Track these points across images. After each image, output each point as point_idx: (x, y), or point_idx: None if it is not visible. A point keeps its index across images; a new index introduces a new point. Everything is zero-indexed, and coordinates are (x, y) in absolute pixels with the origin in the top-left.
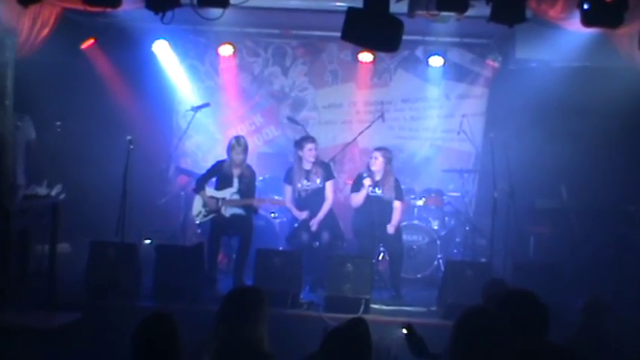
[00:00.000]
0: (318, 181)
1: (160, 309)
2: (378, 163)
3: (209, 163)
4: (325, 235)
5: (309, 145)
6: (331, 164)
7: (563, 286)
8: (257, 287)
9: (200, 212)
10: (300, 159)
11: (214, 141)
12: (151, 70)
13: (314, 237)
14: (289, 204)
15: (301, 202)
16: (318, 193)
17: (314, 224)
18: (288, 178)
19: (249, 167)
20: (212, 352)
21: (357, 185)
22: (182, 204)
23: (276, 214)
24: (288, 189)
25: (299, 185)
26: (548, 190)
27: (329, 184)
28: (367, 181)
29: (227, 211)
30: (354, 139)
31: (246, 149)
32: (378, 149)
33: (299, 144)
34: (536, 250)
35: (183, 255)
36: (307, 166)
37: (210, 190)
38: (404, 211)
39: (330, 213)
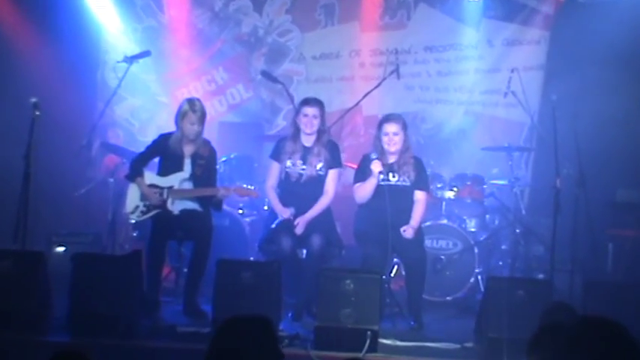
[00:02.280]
0: (319, 166)
1: (76, 346)
2: (394, 140)
3: (149, 138)
4: (316, 241)
5: (309, 110)
6: (339, 146)
7: None
8: (263, 316)
9: (137, 208)
10: (297, 130)
11: (157, 105)
12: (66, 7)
13: (300, 243)
14: (271, 192)
15: (288, 191)
16: (315, 183)
17: (300, 225)
18: (277, 154)
19: (207, 143)
20: None
21: (362, 171)
22: (110, 196)
23: (246, 211)
24: (275, 168)
25: (290, 166)
26: (633, 177)
27: (333, 174)
28: (377, 165)
29: (175, 206)
30: (357, 103)
31: (203, 117)
32: (392, 119)
33: (299, 107)
34: (617, 263)
35: (111, 268)
36: (307, 141)
37: (151, 176)
38: (428, 206)
39: (325, 210)
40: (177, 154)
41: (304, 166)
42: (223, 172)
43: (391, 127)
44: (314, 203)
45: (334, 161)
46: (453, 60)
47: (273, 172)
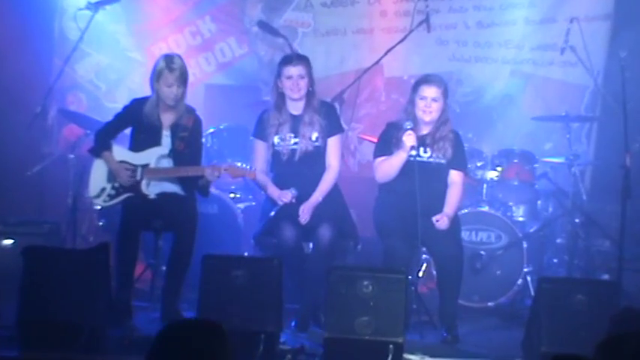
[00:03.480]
0: (314, 136)
1: None
2: (432, 107)
3: (119, 104)
4: (325, 232)
5: (292, 70)
6: (337, 106)
7: None
8: (212, 322)
9: (103, 190)
10: (281, 97)
11: (128, 63)
12: None
13: (305, 234)
14: (262, 176)
15: (283, 173)
16: (314, 158)
17: (305, 212)
18: (260, 130)
19: (190, 111)
20: None
21: (386, 142)
22: (71, 176)
23: (239, 195)
24: (260, 148)
25: (279, 142)
26: None
27: (333, 142)
28: (411, 137)
29: (151, 189)
30: (377, 62)
31: (184, 78)
32: (432, 81)
33: (279, 69)
34: None
35: (71, 265)
36: (295, 109)
37: (121, 152)
38: (466, 189)
39: (335, 193)
40: (153, 124)
41: (296, 139)
42: (211, 146)
43: (430, 91)
44: (316, 183)
45: (332, 126)
46: (497, 8)
47: (260, 154)
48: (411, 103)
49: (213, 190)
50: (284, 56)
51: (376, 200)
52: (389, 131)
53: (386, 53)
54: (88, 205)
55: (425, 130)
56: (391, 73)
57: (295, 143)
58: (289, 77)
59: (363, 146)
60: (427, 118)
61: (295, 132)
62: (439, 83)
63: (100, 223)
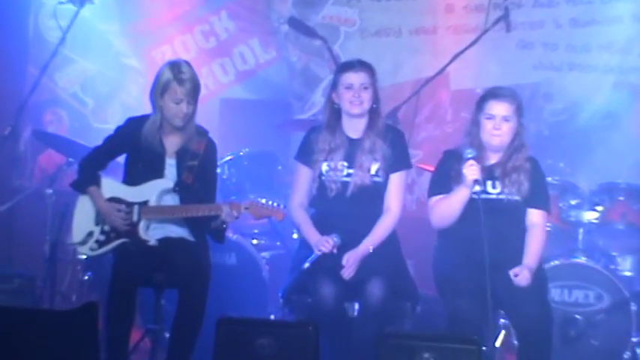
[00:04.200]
0: (374, 168)
1: None
2: (502, 129)
3: (110, 125)
4: (375, 290)
5: (354, 78)
6: (405, 134)
7: None
8: None
9: (90, 235)
10: (336, 114)
11: (122, 72)
12: None
13: (348, 293)
14: (299, 213)
15: (327, 211)
16: (370, 197)
17: (350, 264)
18: (306, 153)
19: (202, 134)
20: None
21: (443, 176)
22: (48, 216)
23: (264, 241)
24: (303, 175)
25: (327, 172)
26: None
27: (397, 180)
28: (473, 169)
29: (152, 233)
30: (442, 69)
31: (194, 92)
32: (501, 95)
33: (335, 77)
34: None
35: (50, 331)
36: (353, 130)
37: (112, 185)
38: (554, 234)
39: (390, 240)
40: (154, 150)
41: (350, 170)
42: (228, 178)
43: (500, 108)
44: (369, 228)
45: (398, 159)
46: (597, 1)
47: (302, 183)
48: (475, 124)
49: (230, 234)
50: (344, 62)
51: (436, 249)
52: (447, 162)
53: (453, 59)
54: (71, 255)
55: (493, 159)
56: (460, 85)
57: (348, 175)
58: (349, 87)
59: (424, 179)
60: (496, 143)
61: (350, 160)
62: (511, 98)
63: (86, 277)
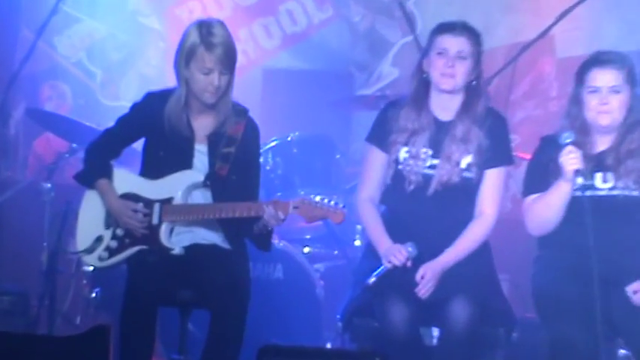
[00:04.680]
0: (466, 161)
1: None
2: (610, 104)
3: (124, 102)
4: (459, 312)
5: (451, 43)
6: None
7: None
8: None
9: (99, 241)
10: (424, 87)
11: (139, 35)
12: None
13: (425, 316)
14: (368, 209)
15: (402, 211)
16: (457, 196)
17: (427, 279)
18: (380, 134)
19: (241, 113)
20: None
21: (538, 171)
22: (46, 217)
23: (319, 249)
24: (376, 161)
25: (406, 160)
26: None
27: (495, 177)
28: (572, 157)
29: (177, 239)
30: (546, 31)
31: (231, 60)
32: (607, 61)
33: (430, 40)
34: None
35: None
36: (444, 110)
37: (127, 179)
38: None
39: (480, 251)
40: (180, 134)
41: (435, 161)
42: (272, 169)
43: (605, 77)
44: (454, 236)
45: (498, 152)
46: None
47: (374, 171)
48: (576, 101)
49: (275, 241)
50: (442, 23)
51: (535, 261)
52: (545, 151)
53: (559, 18)
54: (74, 266)
55: (602, 145)
56: (568, 52)
57: (432, 167)
58: (442, 53)
59: (521, 171)
60: (604, 122)
61: (436, 148)
62: (619, 63)
63: (93, 295)
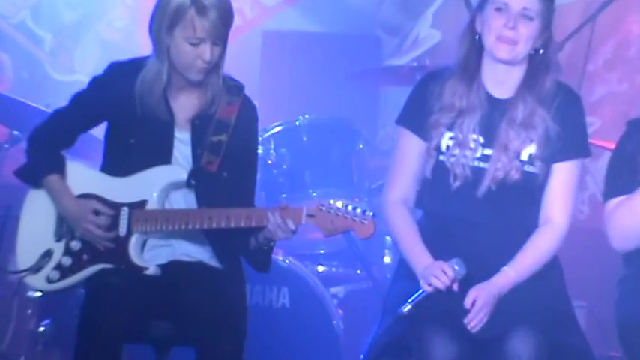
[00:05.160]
0: (528, 151)
1: None
2: None
3: (80, 75)
4: (521, 349)
5: None
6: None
7: None
8: None
9: (48, 256)
10: (475, 53)
11: None
12: None
13: (479, 354)
14: (397, 216)
15: (445, 215)
16: (517, 197)
17: (479, 306)
18: (415, 114)
19: (235, 91)
20: None
21: (623, 168)
22: None
23: (336, 267)
24: (411, 149)
25: (449, 150)
26: None
27: (567, 172)
28: None
29: (150, 255)
30: None
31: (225, 22)
32: None
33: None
34: None
35: None
36: (498, 86)
37: (85, 175)
38: None
39: (549, 270)
40: (155, 117)
41: (488, 151)
42: (276, 164)
43: None
44: (514, 248)
45: (570, 141)
46: None
47: (407, 164)
48: None
49: (279, 257)
50: None
51: (619, 284)
52: (633, 139)
53: None
54: (14, 290)
55: None
56: None
57: (485, 158)
58: (501, 9)
59: (601, 163)
60: None
61: (489, 134)
62: None
63: (42, 329)
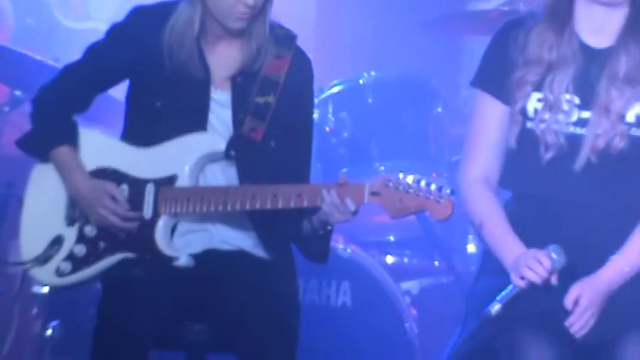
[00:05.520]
0: (636, 112)
1: None
2: None
3: (96, 21)
4: (631, 353)
5: None
6: None
7: None
8: None
9: (58, 244)
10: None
11: None
12: None
13: None
14: (483, 200)
15: (537, 196)
16: (624, 169)
17: (584, 306)
18: (494, 73)
19: (285, 43)
20: None
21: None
22: None
23: (408, 257)
24: (492, 116)
25: (537, 114)
26: None
27: None
28: None
29: (180, 242)
30: None
31: None
32: None
33: None
34: None
35: None
36: (597, 34)
37: (102, 144)
38: None
39: None
40: (188, 74)
41: (586, 113)
42: (335, 131)
43: None
44: (624, 234)
45: None
46: None
47: (487, 134)
48: None
49: (340, 246)
50: None
51: None
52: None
53: None
54: (17, 285)
55: None
56: None
57: (582, 122)
58: None
59: None
60: None
61: (586, 94)
62: None
63: (49, 331)
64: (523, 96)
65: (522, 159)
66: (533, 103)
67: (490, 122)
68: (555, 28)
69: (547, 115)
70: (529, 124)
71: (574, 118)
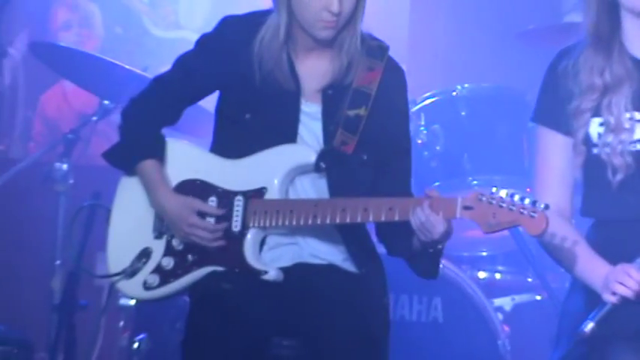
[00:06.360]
0: None
1: None
2: None
3: (186, 30)
4: None
5: None
6: None
7: None
8: None
9: (145, 257)
10: (611, 10)
11: None
12: None
13: None
14: (561, 230)
15: (613, 218)
16: None
17: None
18: (554, 105)
19: (377, 54)
20: None
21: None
22: (60, 218)
23: (500, 274)
24: (555, 150)
25: (600, 138)
26: None
27: None
28: None
29: (269, 256)
30: None
31: None
32: None
33: None
34: None
35: None
36: None
37: (191, 157)
38: None
39: None
40: (277, 85)
41: None
42: (428, 144)
43: None
44: None
45: None
46: None
47: (553, 169)
48: None
49: (447, 267)
50: None
51: None
52: None
53: None
54: (104, 297)
55: None
56: None
57: None
58: None
59: None
60: None
61: None
62: None
63: (136, 345)
64: (583, 124)
65: (592, 187)
66: (596, 128)
67: (554, 156)
68: (603, 50)
69: (610, 138)
70: (595, 150)
71: (638, 135)
